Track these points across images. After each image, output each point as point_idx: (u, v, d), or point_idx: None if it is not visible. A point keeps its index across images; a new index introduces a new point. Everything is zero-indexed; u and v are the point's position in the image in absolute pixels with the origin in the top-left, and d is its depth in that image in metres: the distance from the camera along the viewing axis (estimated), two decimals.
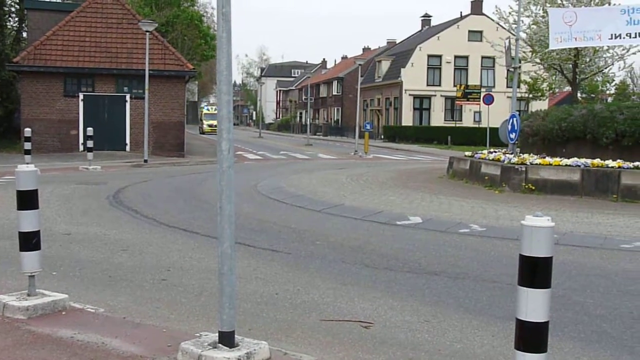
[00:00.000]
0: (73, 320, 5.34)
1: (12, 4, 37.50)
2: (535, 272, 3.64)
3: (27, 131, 21.66)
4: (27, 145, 21.26)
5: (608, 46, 22.95)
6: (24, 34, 37.22)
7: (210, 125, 73.79)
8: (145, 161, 24.58)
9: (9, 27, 38.03)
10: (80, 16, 29.42)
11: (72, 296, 5.90)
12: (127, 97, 29.17)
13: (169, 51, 29.82)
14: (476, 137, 44.92)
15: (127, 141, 29.36)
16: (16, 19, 38.51)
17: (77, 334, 4.98)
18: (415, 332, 5.61)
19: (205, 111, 79.48)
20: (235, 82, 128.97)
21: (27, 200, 5.49)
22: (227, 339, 4.47)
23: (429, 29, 65.60)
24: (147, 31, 25.15)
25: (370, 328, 5.67)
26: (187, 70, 29.87)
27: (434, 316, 6.06)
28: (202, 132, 70.64)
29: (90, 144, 21.82)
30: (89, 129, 22.51)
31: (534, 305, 3.63)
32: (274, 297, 6.57)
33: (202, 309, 6.13)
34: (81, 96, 28.62)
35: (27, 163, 7.78)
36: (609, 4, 24.15)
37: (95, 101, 28.76)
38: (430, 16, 68.65)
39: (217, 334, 4.54)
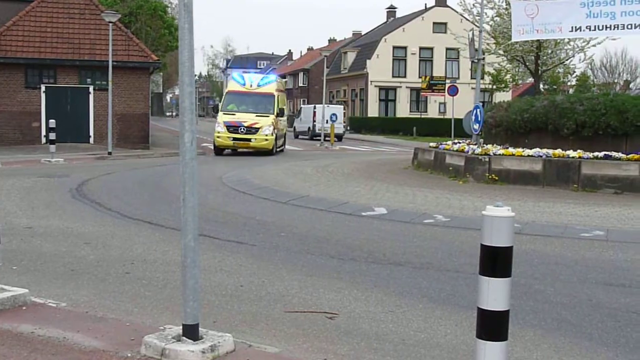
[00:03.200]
0: (34, 315, 5.27)
1: None
2: (495, 262, 3.69)
3: None
4: None
5: (569, 38, 23.25)
6: None
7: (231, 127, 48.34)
8: (109, 153, 24.30)
9: None
10: (41, 6, 28.91)
11: (33, 291, 5.82)
12: (91, 88, 28.78)
13: (133, 42, 29.47)
14: (441, 128, 45.28)
15: (91, 133, 28.99)
16: None
17: (37, 329, 4.92)
18: (379, 322, 5.65)
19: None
20: (200, 73, 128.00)
21: None
22: (191, 332, 4.46)
23: (394, 20, 65.81)
24: (110, 22, 24.81)
25: (334, 319, 5.70)
26: (152, 62, 29.57)
27: (399, 306, 6.11)
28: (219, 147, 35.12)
29: (52, 136, 21.49)
30: (51, 121, 22.18)
31: (495, 294, 3.68)
32: (239, 289, 6.57)
33: (166, 301, 6.10)
34: (43, 88, 28.16)
35: None
36: None
37: (58, 93, 28.32)
38: (396, 8, 68.87)
39: (181, 327, 4.52)
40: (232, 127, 25.61)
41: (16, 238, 8.80)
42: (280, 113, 27.82)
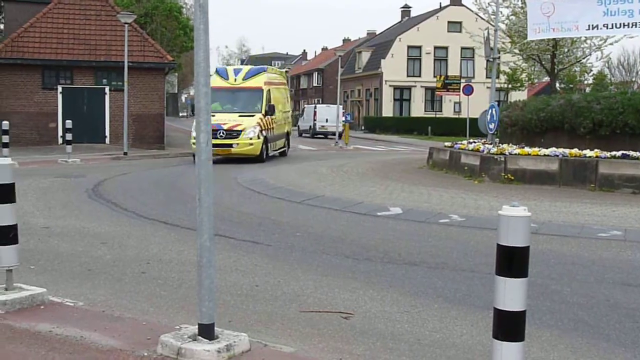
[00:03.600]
0: (51, 314, 5.31)
1: None
2: (512, 262, 3.67)
3: (5, 124, 21.40)
4: (5, 139, 20.99)
5: (586, 37, 23.11)
6: (1, 27, 36.82)
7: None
8: (125, 154, 24.43)
9: None
10: (58, 8, 29.11)
11: (50, 290, 5.86)
12: (106, 89, 28.94)
13: (148, 43, 29.60)
14: (456, 127, 45.09)
15: (107, 133, 29.15)
16: None
17: (55, 328, 4.96)
18: (395, 322, 5.64)
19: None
20: None
21: (4, 193, 5.43)
22: (206, 331, 4.47)
23: (408, 20, 65.66)
24: (125, 23, 24.94)
25: (350, 319, 5.70)
26: (167, 62, 29.69)
27: (414, 306, 6.10)
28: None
29: (69, 136, 21.63)
30: (67, 121, 22.32)
31: (511, 294, 3.66)
32: (254, 289, 6.58)
33: (182, 301, 6.12)
34: (60, 89, 28.35)
35: (4, 156, 7.71)
36: None
37: (74, 94, 28.50)
38: (410, 7, 68.71)
39: (196, 327, 4.54)
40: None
41: (34, 238, 8.86)
42: (270, 110, 23.06)
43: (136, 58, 28.18)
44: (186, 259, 7.77)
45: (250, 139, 21.66)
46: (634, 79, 63.83)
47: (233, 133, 21.52)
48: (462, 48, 54.77)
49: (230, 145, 21.47)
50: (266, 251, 8.46)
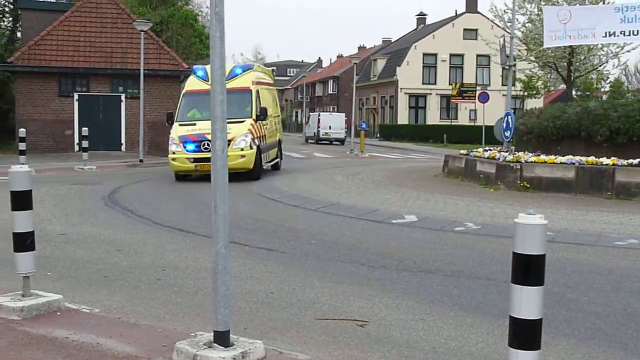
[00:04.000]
0: (68, 321, 5.34)
1: (6, 3, 37.48)
2: (528, 270, 3.66)
3: (22, 131, 21.61)
4: (22, 146, 21.20)
5: (602, 44, 23.01)
6: (18, 34, 37.19)
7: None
8: (141, 161, 24.55)
9: (2, 27, 38.02)
10: (74, 16, 29.38)
11: (67, 296, 5.90)
12: (122, 96, 29.15)
13: (164, 50, 29.80)
14: (472, 135, 44.98)
15: (123, 141, 29.34)
16: (10, 19, 38.48)
17: (72, 335, 4.98)
18: (410, 330, 5.62)
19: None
20: None
21: (21, 200, 5.49)
22: (222, 339, 4.48)
23: (424, 27, 65.66)
24: (141, 31, 25.13)
25: (365, 326, 5.68)
26: (182, 70, 29.83)
27: (429, 314, 6.08)
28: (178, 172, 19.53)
29: (85, 144, 21.79)
30: (84, 129, 22.49)
31: (527, 302, 3.64)
32: (270, 296, 6.58)
33: (197, 308, 6.14)
34: (76, 96, 28.59)
35: (22, 164, 7.79)
36: (603, 2, 24.22)
37: (90, 101, 28.73)
38: (426, 14, 68.74)
39: (212, 334, 4.54)
40: (191, 144, 17.75)
41: (50, 244, 8.93)
42: (262, 114, 18.82)
43: (152, 66, 28.37)
44: (202, 266, 7.79)
45: (242, 149, 17.69)
46: None
47: None
48: (478, 55, 54.68)
49: None
50: (281, 258, 8.46)
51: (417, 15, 68.77)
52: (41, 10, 30.98)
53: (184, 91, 19.92)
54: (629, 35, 16.60)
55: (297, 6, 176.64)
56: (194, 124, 18.10)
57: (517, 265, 3.69)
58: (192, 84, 19.63)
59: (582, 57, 25.43)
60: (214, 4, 4.45)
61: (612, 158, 14.93)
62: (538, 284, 3.66)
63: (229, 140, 15.86)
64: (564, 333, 5.57)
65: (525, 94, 43.75)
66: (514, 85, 25.90)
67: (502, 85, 50.98)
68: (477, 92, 42.01)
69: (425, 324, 5.79)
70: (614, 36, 16.76)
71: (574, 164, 15.14)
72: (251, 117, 18.51)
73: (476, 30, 52.03)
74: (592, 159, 15.12)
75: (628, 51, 24.42)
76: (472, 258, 8.56)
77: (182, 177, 18.43)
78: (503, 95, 32.58)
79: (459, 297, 6.68)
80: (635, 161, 14.48)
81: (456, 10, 60.17)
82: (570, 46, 22.27)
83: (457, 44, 56.34)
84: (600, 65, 27.29)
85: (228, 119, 15.27)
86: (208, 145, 16.40)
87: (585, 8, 18.00)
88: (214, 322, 4.51)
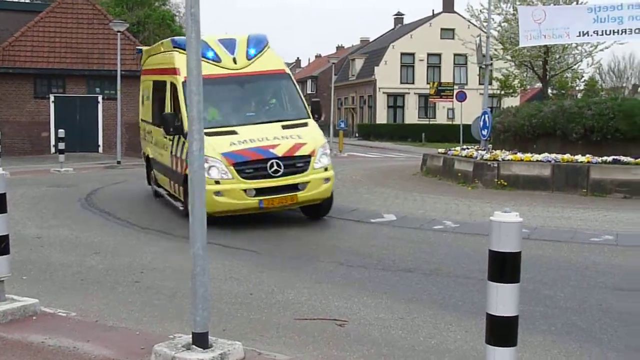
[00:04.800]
0: (44, 325, 5.30)
1: None
2: (504, 267, 3.70)
3: None
4: None
5: (577, 43, 23.28)
6: None
7: None
8: (119, 162, 24.38)
9: None
10: (49, 17, 29.10)
11: (43, 301, 5.84)
12: (99, 98, 28.93)
13: None
14: (450, 134, 45.19)
15: (100, 142, 29.12)
16: None
17: (48, 339, 4.94)
18: (389, 329, 5.64)
19: None
20: None
21: None
22: (200, 340, 4.47)
23: (401, 27, 65.86)
24: (118, 31, 24.95)
25: (344, 326, 5.70)
26: None
27: (408, 313, 6.10)
28: (218, 214, 10.69)
29: (61, 145, 21.53)
30: (60, 130, 22.21)
31: (503, 299, 3.68)
32: (249, 297, 6.57)
33: (175, 310, 6.11)
34: (52, 97, 28.32)
35: None
36: (577, 2, 24.49)
37: (67, 102, 28.47)
38: (403, 14, 68.93)
39: (190, 336, 4.53)
40: (249, 166, 10.61)
41: (26, 248, 8.84)
42: (317, 113, 11.99)
43: (129, 66, 28.15)
44: (180, 268, 7.76)
45: (326, 169, 11.05)
46: (624, 85, 64.15)
47: (297, 162, 10.71)
48: (455, 55, 54.94)
49: (296, 187, 10.68)
50: (260, 259, 8.46)
51: (395, 15, 68.95)
52: (15, 10, 30.68)
53: (181, 78, 11.33)
54: (602, 34, 16.88)
55: (276, 5, 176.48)
56: (234, 132, 10.97)
57: (493, 263, 3.72)
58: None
59: (557, 56, 25.73)
60: (189, 5, 4.45)
61: (587, 156, 15.09)
62: (514, 281, 3.70)
63: (307, 156, 10.80)
64: (541, 329, 5.62)
65: (502, 92, 44.09)
66: (490, 84, 26.05)
67: (479, 84, 51.31)
68: (455, 91, 42.24)
69: (404, 322, 5.82)
70: (588, 36, 17.01)
71: (550, 161, 15.27)
72: (309, 116, 11.89)
73: (453, 29, 52.38)
74: (567, 156, 15.27)
75: (601, 50, 24.82)
76: (450, 256, 8.61)
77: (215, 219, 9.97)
78: (480, 94, 32.81)
79: (438, 295, 6.72)
80: (609, 158, 14.66)
81: (433, 10, 60.55)
82: (546, 45, 22.49)
83: (434, 43, 56.59)
84: (574, 64, 27.66)
85: (278, 120, 11.02)
86: (279, 165, 10.48)
87: (559, 8, 18.21)
88: (192, 323, 4.50)
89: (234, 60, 11.96)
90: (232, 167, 10.41)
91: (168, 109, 12.12)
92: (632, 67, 66.89)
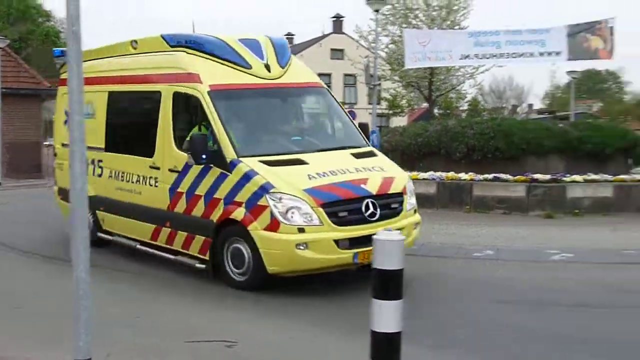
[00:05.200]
0: None
1: None
2: (387, 285, 3.80)
3: None
4: None
5: (459, 65, 24.30)
6: None
7: None
8: None
9: None
10: None
11: None
12: None
13: (23, 68, 28.43)
14: None
15: None
16: None
17: None
18: (280, 348, 5.67)
19: None
20: None
21: None
22: None
23: (292, 47, 66.25)
24: None
25: (233, 347, 5.67)
26: (44, 88, 28.53)
27: (292, 336, 6.14)
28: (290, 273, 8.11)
29: None
30: None
31: (386, 316, 3.79)
32: (136, 320, 6.43)
33: (61, 335, 5.90)
34: None
35: None
36: (459, 27, 25.58)
37: None
38: (293, 34, 69.55)
39: None
40: (341, 207, 7.71)
41: None
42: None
43: (10, 84, 26.89)
44: (67, 292, 7.47)
45: (415, 212, 8.90)
46: (504, 105, 67.26)
47: (392, 202, 8.26)
48: (345, 75, 55.84)
49: None
50: (150, 281, 8.28)
51: (285, 35, 69.48)
52: None
53: (205, 87, 8.48)
54: (482, 58, 17.79)
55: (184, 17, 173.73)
56: (303, 161, 8.14)
57: (376, 281, 3.83)
58: (220, 74, 8.68)
59: (442, 77, 26.71)
60: (70, 23, 4.26)
61: (470, 173, 15.68)
62: (397, 298, 3.82)
63: (400, 194, 8.43)
64: (424, 344, 5.78)
65: (391, 112, 45.16)
66: (379, 103, 26.76)
67: (369, 103, 52.47)
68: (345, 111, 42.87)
69: (293, 342, 5.86)
70: (469, 58, 17.90)
71: (435, 179, 15.77)
72: (367, 143, 9.42)
73: (342, 50, 53.31)
74: (451, 174, 15.81)
75: (482, 72, 26.04)
76: (325, 276, 8.68)
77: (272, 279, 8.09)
78: (369, 113, 33.55)
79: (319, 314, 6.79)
80: (490, 176, 15.29)
81: (323, 31, 61.44)
82: (431, 67, 23.30)
83: (325, 63, 57.26)
84: (458, 85, 28.83)
85: (342, 147, 8.68)
86: (375, 206, 7.84)
87: (443, 32, 19.01)
88: (73, 350, 4.36)
89: (267, 68, 8.92)
90: (321, 209, 7.49)
91: (162, 130, 8.85)
92: (511, 88, 70.25)
